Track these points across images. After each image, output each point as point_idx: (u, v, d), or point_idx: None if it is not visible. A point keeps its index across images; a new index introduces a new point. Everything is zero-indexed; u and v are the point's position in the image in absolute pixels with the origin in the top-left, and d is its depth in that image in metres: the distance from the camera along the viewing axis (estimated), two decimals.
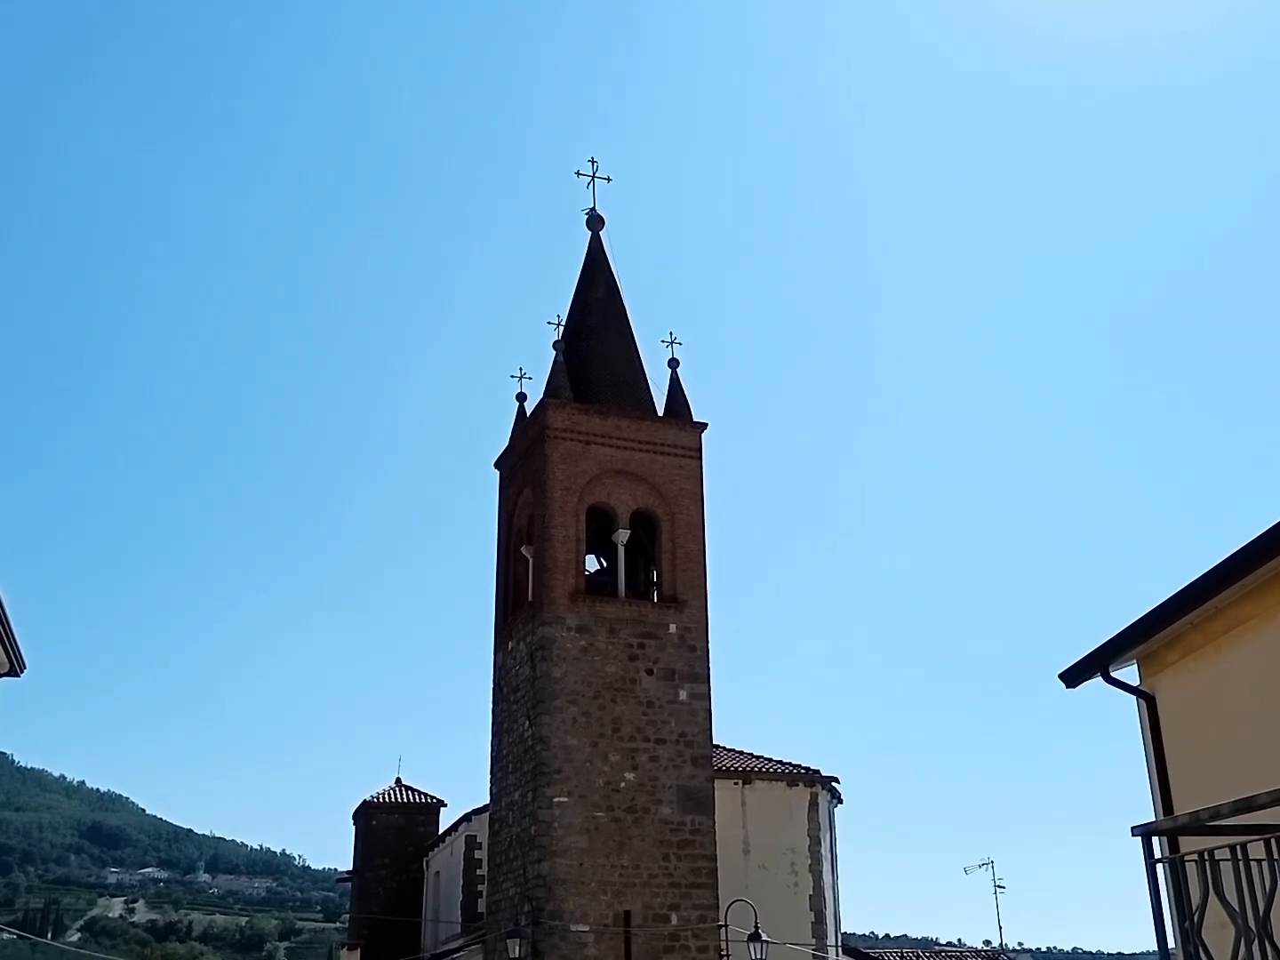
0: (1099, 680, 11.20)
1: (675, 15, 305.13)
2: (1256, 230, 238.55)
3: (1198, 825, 5.91)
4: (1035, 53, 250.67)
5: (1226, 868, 5.55)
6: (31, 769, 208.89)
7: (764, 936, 23.38)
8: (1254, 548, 8.53)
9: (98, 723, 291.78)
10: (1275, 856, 5.24)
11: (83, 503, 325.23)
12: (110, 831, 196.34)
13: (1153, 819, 10.17)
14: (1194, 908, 5.76)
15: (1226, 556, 8.92)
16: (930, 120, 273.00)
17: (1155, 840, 6.32)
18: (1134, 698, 11.19)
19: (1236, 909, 5.39)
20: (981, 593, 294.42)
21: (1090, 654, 11.06)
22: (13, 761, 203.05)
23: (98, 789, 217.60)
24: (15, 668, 19.57)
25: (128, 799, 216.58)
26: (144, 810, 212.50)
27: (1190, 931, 5.74)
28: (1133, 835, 6.06)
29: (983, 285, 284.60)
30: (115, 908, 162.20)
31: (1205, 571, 9.22)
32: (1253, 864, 5.44)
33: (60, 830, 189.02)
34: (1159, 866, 6.09)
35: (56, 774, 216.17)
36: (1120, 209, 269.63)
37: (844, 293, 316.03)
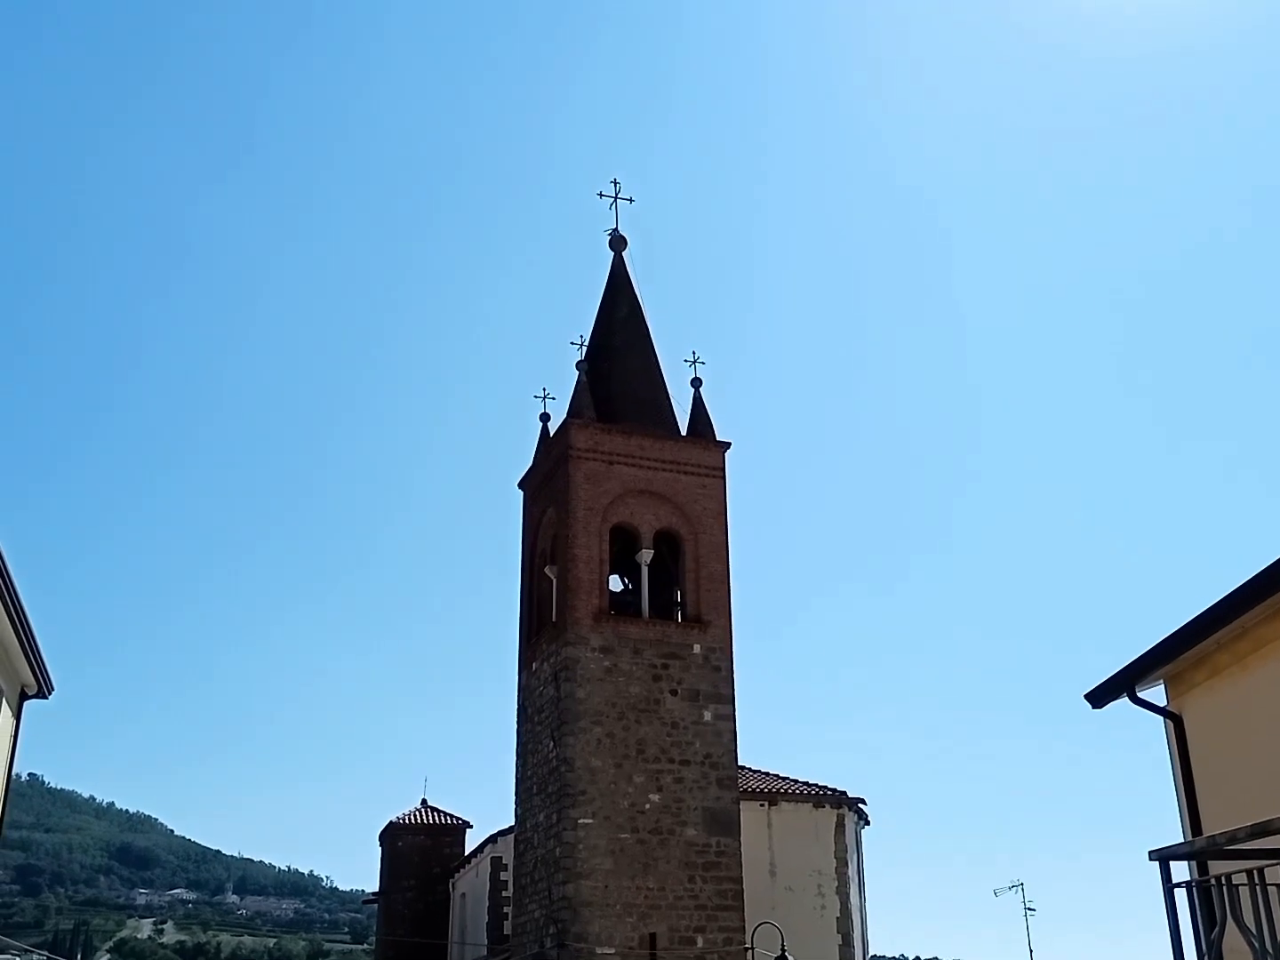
0: (1125, 701, 11.13)
1: (698, 35, 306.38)
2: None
3: (1215, 850, 5.87)
4: (1069, 59, 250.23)
5: (1244, 892, 5.50)
6: (61, 790, 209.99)
7: (791, 959, 23.23)
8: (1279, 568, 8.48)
9: (127, 744, 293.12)
10: None
11: (111, 526, 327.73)
12: (139, 852, 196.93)
13: (1180, 841, 10.09)
14: (1212, 932, 5.71)
15: (1252, 576, 8.87)
16: (962, 133, 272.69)
17: (1173, 864, 6.26)
18: (1161, 718, 11.11)
19: (1254, 932, 5.34)
20: (1008, 613, 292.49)
21: (1116, 674, 11.00)
22: (43, 783, 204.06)
23: (127, 810, 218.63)
24: (44, 690, 19.77)
25: (157, 820, 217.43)
26: (173, 831, 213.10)
27: (1208, 955, 5.69)
28: (1150, 860, 6.01)
29: (1015, 296, 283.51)
30: (144, 929, 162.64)
31: (1231, 591, 9.17)
32: (1270, 888, 5.40)
33: (90, 851, 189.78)
34: (1177, 890, 6.03)
35: (86, 795, 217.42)
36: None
37: (868, 311, 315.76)
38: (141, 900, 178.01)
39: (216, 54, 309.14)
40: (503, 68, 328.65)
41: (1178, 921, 5.90)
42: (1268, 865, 5.39)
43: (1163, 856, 6.00)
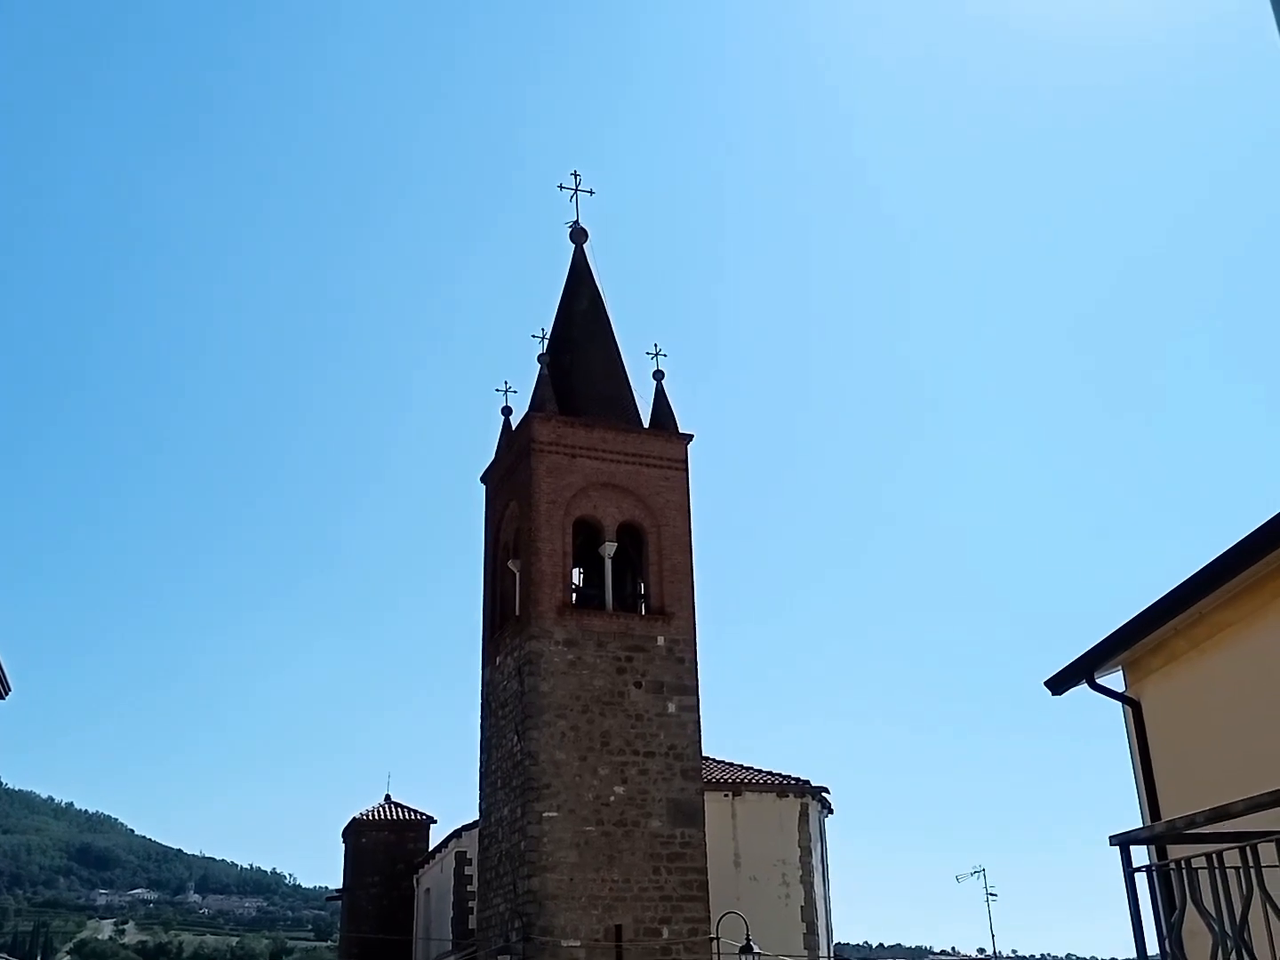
0: (1084, 687, 11.22)
1: (659, 28, 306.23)
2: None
3: (1175, 834, 5.93)
4: (1018, 51, 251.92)
5: (1204, 875, 5.57)
6: (20, 791, 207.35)
7: (756, 949, 23.32)
8: (1235, 553, 8.57)
9: (86, 744, 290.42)
10: (1250, 864, 5.26)
11: (69, 524, 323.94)
12: (99, 853, 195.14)
13: (1139, 825, 10.20)
14: (1172, 915, 5.77)
15: (1208, 563, 8.95)
16: (915, 124, 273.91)
17: (1134, 848, 6.33)
18: (1120, 704, 11.22)
19: (1213, 915, 5.41)
20: (968, 601, 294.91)
21: (1075, 661, 11.09)
22: (1, 784, 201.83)
23: (86, 810, 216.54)
24: (1, 691, 19.55)
25: (116, 820, 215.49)
26: (133, 831, 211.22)
27: (1168, 939, 5.75)
28: (1111, 844, 6.08)
29: (972, 288, 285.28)
30: (105, 929, 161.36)
31: (1188, 577, 9.26)
32: (1229, 871, 5.47)
33: (49, 852, 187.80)
34: (1137, 875, 6.10)
35: (45, 795, 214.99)
36: (1127, 209, 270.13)
37: (829, 301, 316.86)
38: (102, 900, 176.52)
39: (181, 41, 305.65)
40: (464, 60, 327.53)
41: (1138, 905, 5.97)
42: (1226, 849, 5.46)
43: (1123, 841, 6.06)
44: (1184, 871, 5.61)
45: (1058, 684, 11.45)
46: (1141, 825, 10.07)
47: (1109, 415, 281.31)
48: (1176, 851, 6.29)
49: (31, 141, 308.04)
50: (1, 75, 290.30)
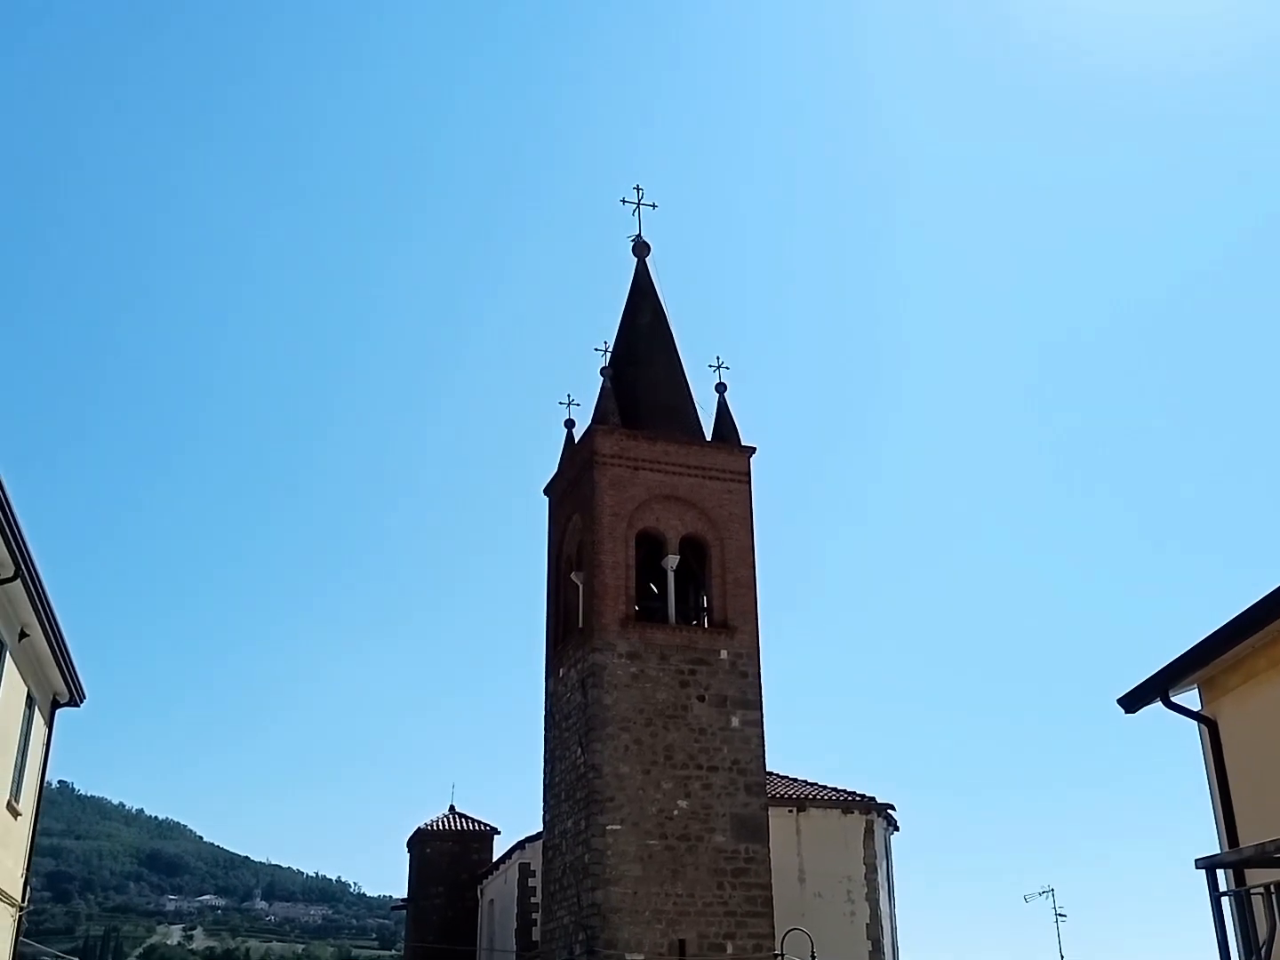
0: (1159, 705, 11.04)
1: (721, 40, 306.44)
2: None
3: (1264, 857, 5.79)
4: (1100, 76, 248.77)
5: None
6: (91, 797, 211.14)
7: None
8: None
9: (156, 751, 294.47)
10: None
11: (139, 531, 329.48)
12: (168, 859, 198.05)
13: (1217, 847, 9.99)
14: (1261, 940, 5.64)
15: None
16: (979, 136, 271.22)
17: (1220, 872, 6.19)
18: (1195, 723, 11.01)
19: None
20: (1041, 616, 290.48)
21: (1150, 678, 10.92)
22: (73, 790, 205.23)
23: (156, 817, 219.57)
24: (75, 698, 19.95)
25: (186, 826, 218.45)
26: (201, 838, 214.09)
27: None
28: (1196, 868, 5.95)
29: (1031, 303, 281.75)
30: (174, 935, 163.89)
31: (1267, 594, 9.08)
32: None
33: (119, 858, 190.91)
34: (1224, 899, 5.97)
35: (116, 802, 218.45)
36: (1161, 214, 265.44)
37: (895, 312, 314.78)
38: (171, 906, 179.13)
39: (238, 45, 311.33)
40: (528, 75, 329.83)
41: (1225, 929, 5.84)
42: None
43: (1209, 865, 5.94)
44: (1274, 895, 5.48)
45: (1131, 701, 11.27)
46: (1219, 847, 9.87)
47: (1193, 425, 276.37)
48: (1257, 875, 6.15)
49: (52, 146, 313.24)
50: (25, 78, 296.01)
